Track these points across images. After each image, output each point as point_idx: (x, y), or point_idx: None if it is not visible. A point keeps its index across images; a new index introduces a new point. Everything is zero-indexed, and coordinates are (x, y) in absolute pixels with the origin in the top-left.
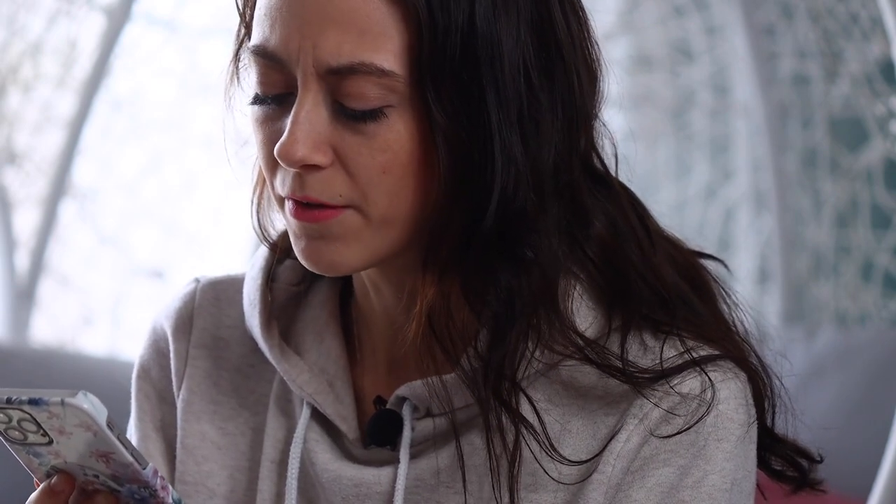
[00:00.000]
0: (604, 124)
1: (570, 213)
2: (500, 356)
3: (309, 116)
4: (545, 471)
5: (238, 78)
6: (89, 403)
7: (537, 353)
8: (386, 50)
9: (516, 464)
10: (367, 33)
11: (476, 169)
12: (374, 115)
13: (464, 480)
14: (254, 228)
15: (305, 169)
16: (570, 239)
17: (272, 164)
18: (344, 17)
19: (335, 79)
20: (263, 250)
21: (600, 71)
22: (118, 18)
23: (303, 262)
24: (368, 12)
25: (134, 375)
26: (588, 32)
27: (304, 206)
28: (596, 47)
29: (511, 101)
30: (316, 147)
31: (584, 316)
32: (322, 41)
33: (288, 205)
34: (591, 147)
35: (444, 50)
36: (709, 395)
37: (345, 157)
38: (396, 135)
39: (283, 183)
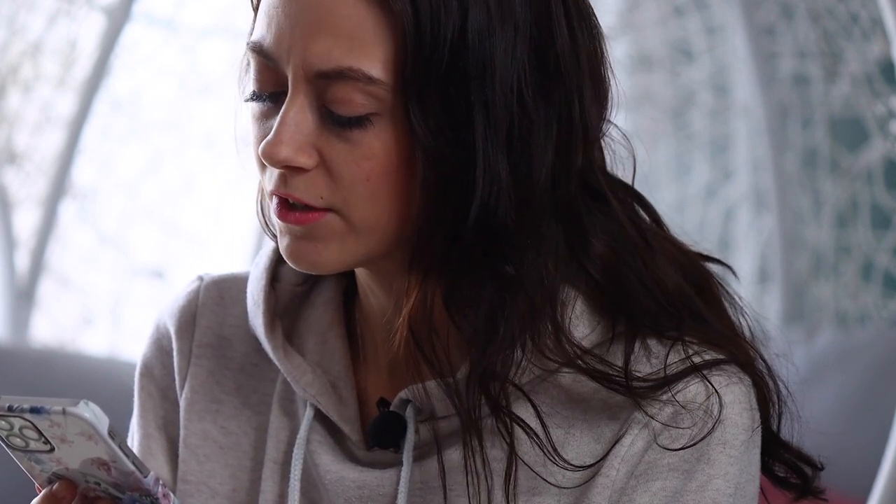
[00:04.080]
0: (622, 133)
1: (569, 234)
2: (480, 369)
3: (296, 118)
4: (544, 479)
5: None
6: (91, 413)
7: (534, 359)
8: (374, 57)
9: (512, 470)
10: (357, 40)
11: (457, 183)
12: (360, 122)
13: (444, 487)
14: (258, 219)
15: (289, 170)
16: (570, 257)
17: (262, 161)
18: (335, 23)
19: (323, 83)
20: (267, 250)
21: (611, 89)
22: (118, 18)
23: (286, 259)
24: (360, 20)
25: (137, 373)
26: (601, 50)
27: (288, 208)
28: (609, 66)
29: (500, 120)
30: (300, 149)
31: (586, 324)
32: (312, 45)
33: (273, 202)
34: (591, 164)
35: (429, 62)
36: (713, 401)
37: (329, 161)
38: (381, 143)
39: (270, 179)
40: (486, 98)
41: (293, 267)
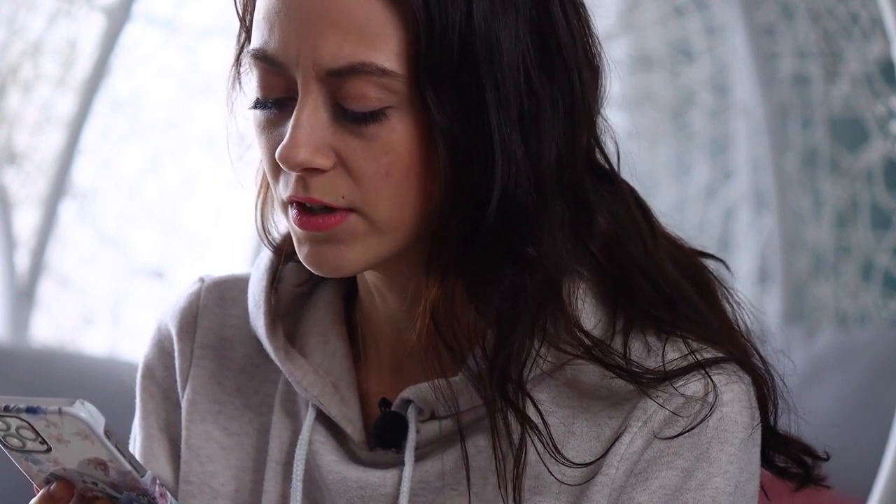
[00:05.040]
0: (606, 121)
1: (574, 210)
2: (505, 355)
3: (310, 120)
4: (550, 472)
5: (240, 82)
6: (87, 412)
7: (543, 351)
8: (385, 50)
9: (521, 464)
10: (366, 34)
11: (476, 168)
12: (375, 116)
13: (468, 482)
14: (257, 232)
15: (308, 172)
16: (574, 236)
17: (275, 169)
18: (342, 19)
19: (335, 81)
20: (268, 251)
21: (602, 68)
22: (118, 18)
23: (307, 266)
24: (367, 14)
25: (139, 375)
26: (589, 29)
27: (308, 214)
28: (598, 44)
29: (511, 100)
30: (317, 150)
31: (590, 315)
32: (321, 43)
33: (292, 212)
34: (595, 144)
35: (441, 50)
36: (712, 398)
37: (347, 160)
38: (398, 136)
39: (286, 186)
40: (496, 80)
41: (316, 273)
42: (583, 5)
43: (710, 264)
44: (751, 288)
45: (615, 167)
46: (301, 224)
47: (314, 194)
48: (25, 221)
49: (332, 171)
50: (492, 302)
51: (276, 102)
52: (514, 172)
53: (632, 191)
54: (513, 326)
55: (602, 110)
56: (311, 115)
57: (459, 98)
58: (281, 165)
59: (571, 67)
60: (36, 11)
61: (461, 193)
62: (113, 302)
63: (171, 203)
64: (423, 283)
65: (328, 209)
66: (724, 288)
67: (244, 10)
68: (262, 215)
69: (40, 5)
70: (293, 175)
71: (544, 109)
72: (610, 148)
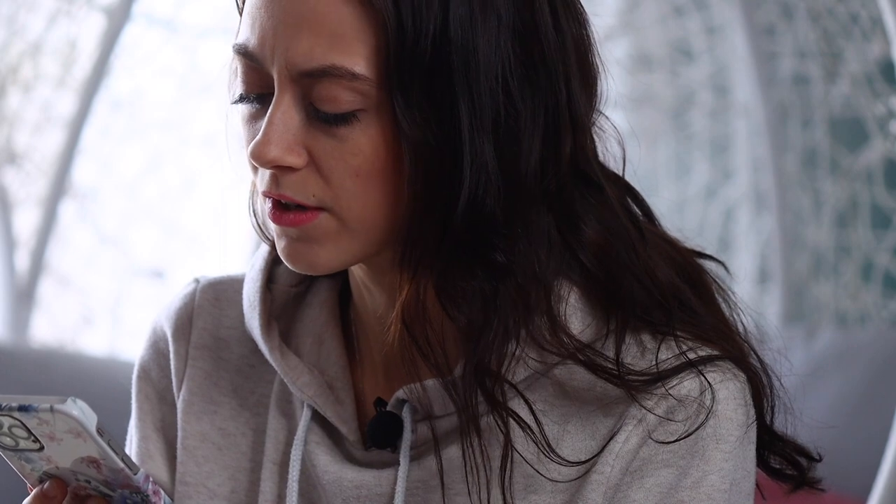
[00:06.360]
0: (614, 126)
1: (560, 220)
2: (475, 362)
3: (283, 118)
4: (538, 472)
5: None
6: (79, 410)
7: (529, 352)
8: (357, 54)
9: (508, 464)
10: (339, 37)
11: (445, 175)
12: (347, 118)
13: (442, 486)
14: (252, 224)
15: (280, 170)
16: (563, 245)
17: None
18: (317, 21)
19: (308, 82)
20: (263, 251)
21: (600, 76)
22: (118, 18)
23: (284, 260)
24: (341, 17)
25: (134, 376)
26: (588, 37)
27: (282, 210)
28: (596, 53)
29: (485, 110)
30: (288, 148)
31: (581, 319)
32: (294, 44)
33: (267, 205)
34: (582, 152)
35: (412, 56)
36: (707, 396)
37: (318, 159)
38: (367, 139)
39: (262, 180)
40: (470, 90)
41: (291, 268)
42: (582, 12)
43: (709, 265)
44: (751, 288)
45: (619, 171)
46: (275, 219)
47: (286, 192)
48: (25, 221)
49: (303, 169)
50: (461, 308)
51: (258, 97)
52: (484, 181)
53: (623, 196)
54: (482, 333)
55: (597, 117)
56: (284, 113)
57: (430, 106)
58: (253, 162)
59: (558, 78)
60: (36, 11)
61: (431, 199)
62: (113, 302)
63: (171, 203)
64: (397, 281)
65: (301, 207)
66: (722, 288)
67: (244, 3)
68: (256, 207)
69: (40, 5)
70: (268, 171)
71: (522, 121)
72: (615, 151)
